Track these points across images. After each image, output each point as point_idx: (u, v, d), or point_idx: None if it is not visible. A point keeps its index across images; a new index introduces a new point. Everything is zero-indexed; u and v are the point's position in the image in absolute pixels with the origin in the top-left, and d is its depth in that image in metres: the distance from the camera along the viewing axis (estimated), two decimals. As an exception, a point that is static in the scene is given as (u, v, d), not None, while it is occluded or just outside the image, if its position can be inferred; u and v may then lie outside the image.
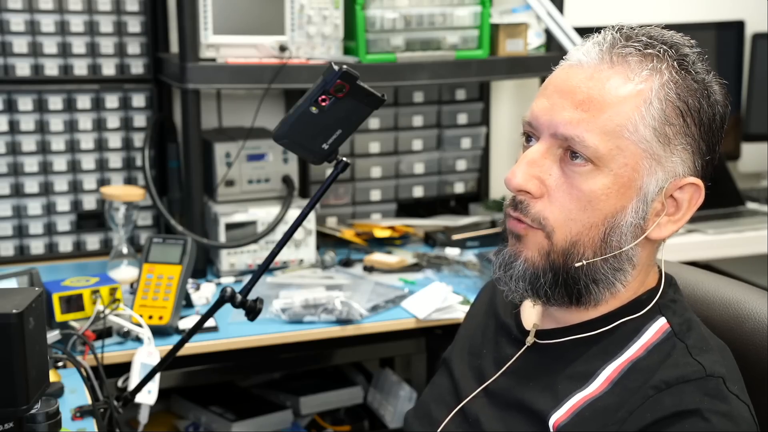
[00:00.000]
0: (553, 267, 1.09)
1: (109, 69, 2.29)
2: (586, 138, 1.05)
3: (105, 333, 1.76)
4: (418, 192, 2.61)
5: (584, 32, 1.20)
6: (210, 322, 1.87)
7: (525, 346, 1.18)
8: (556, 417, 1.07)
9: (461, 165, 2.64)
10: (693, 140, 1.07)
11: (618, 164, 1.05)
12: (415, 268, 2.27)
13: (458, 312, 1.96)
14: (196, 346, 1.80)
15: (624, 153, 1.05)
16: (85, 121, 2.29)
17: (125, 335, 1.80)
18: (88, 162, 2.30)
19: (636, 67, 1.06)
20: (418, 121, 2.58)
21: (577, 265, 1.08)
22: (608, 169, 1.05)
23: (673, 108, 1.06)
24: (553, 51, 2.42)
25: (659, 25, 1.13)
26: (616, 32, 1.10)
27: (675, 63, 1.07)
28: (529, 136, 1.12)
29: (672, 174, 1.07)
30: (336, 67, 1.32)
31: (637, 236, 1.08)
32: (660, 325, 1.10)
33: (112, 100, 2.30)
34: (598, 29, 1.13)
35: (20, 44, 2.20)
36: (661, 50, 1.07)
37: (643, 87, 1.05)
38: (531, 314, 1.22)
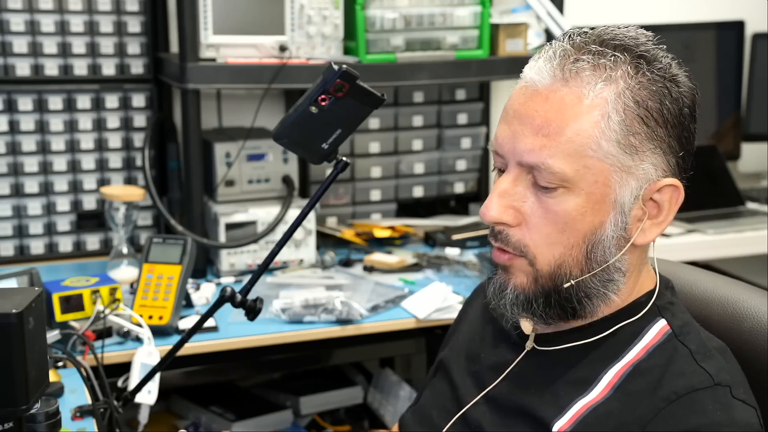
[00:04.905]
0: (544, 291, 1.09)
1: (109, 69, 2.29)
2: (551, 164, 1.03)
3: (105, 333, 1.76)
4: (418, 192, 2.61)
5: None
6: (210, 322, 1.87)
7: (525, 351, 1.18)
8: (560, 425, 1.07)
9: (461, 165, 2.64)
10: (662, 142, 1.05)
11: (588, 183, 1.04)
12: (415, 268, 2.27)
13: (458, 312, 1.95)
14: (196, 346, 1.80)
15: (592, 171, 1.04)
16: (85, 121, 2.29)
17: (125, 335, 1.80)
18: (88, 162, 2.30)
19: (589, 80, 1.03)
20: (418, 121, 2.58)
21: (565, 286, 1.08)
22: (579, 189, 1.04)
23: (634, 116, 1.03)
24: (553, 51, 2.42)
25: (630, 26, 1.10)
26: (567, 42, 1.07)
27: (629, 68, 1.04)
28: (501, 165, 1.11)
29: (645, 180, 1.06)
30: (336, 67, 1.32)
31: (621, 246, 1.08)
32: (660, 326, 1.10)
33: (112, 100, 2.30)
34: (550, 40, 1.09)
35: (20, 44, 2.20)
36: (614, 58, 1.04)
37: (599, 101, 1.03)
38: None
